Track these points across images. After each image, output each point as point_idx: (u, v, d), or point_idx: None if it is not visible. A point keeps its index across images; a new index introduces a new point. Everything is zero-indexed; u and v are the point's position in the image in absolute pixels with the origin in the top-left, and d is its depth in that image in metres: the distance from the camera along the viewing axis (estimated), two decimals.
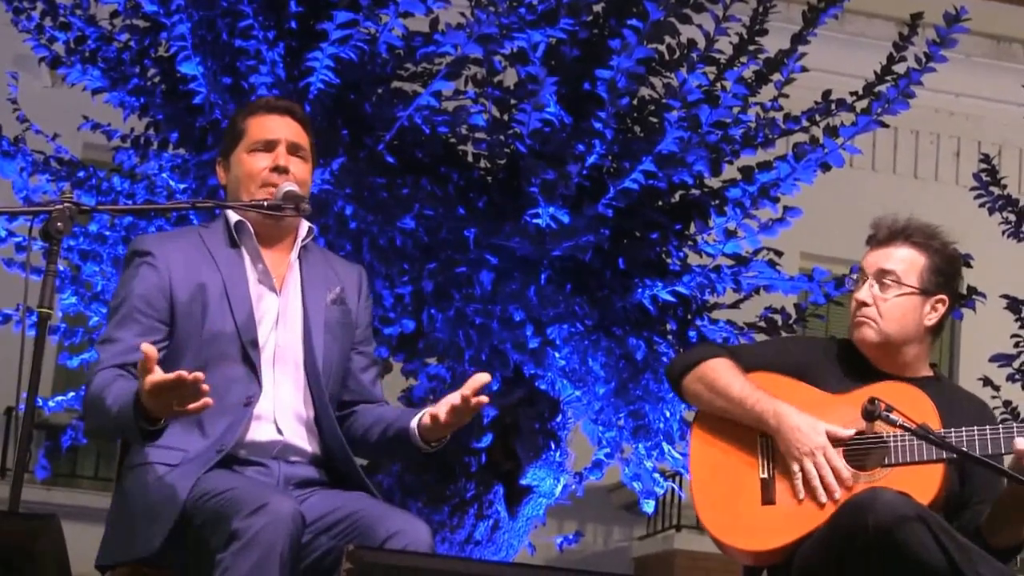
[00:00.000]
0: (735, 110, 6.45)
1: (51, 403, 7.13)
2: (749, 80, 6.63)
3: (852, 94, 6.70)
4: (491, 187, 6.71)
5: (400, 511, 3.39)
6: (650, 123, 6.75)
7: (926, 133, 15.20)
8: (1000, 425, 3.58)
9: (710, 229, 6.74)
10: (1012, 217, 7.82)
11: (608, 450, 7.01)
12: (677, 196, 6.83)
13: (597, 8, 6.70)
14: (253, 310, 3.47)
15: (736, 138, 6.60)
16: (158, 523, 3.24)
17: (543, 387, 6.84)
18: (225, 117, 6.29)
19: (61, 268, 6.21)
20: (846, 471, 3.62)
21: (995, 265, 8.97)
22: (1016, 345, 7.78)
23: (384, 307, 6.51)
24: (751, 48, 6.68)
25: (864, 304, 3.77)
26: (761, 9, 6.78)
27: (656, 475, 7.09)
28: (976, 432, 3.55)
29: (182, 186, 6.58)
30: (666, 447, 6.87)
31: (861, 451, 3.65)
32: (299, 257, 3.60)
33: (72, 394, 7.13)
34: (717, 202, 6.72)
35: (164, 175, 6.65)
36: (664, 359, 6.70)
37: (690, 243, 6.83)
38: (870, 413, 3.51)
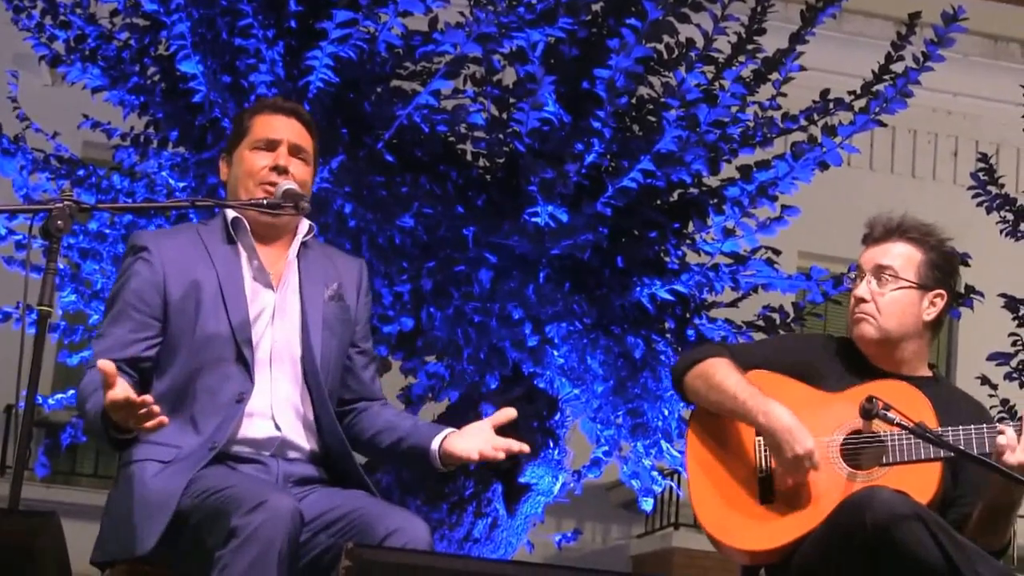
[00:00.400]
0: (733, 109, 6.46)
1: (51, 401, 7.15)
2: (747, 79, 6.64)
3: (850, 93, 6.71)
4: (490, 186, 6.71)
5: (399, 509, 3.38)
6: (649, 122, 6.76)
7: (924, 132, 15.20)
8: (984, 424, 3.58)
9: (708, 228, 6.75)
10: (1010, 216, 7.84)
11: (606, 448, 7.01)
12: (675, 195, 6.84)
13: (596, 7, 6.70)
14: (248, 307, 3.48)
15: (734, 137, 6.60)
16: (153, 523, 3.24)
17: (542, 385, 6.85)
18: (225, 116, 6.30)
19: (61, 266, 6.21)
20: (839, 470, 3.62)
21: (993, 264, 9.00)
22: (1014, 344, 7.80)
23: (383, 305, 6.52)
24: (749, 47, 6.69)
25: (862, 300, 3.77)
26: (759, 8, 6.78)
27: (654, 473, 7.10)
28: (961, 431, 3.55)
29: (181, 184, 6.59)
30: (664, 445, 6.88)
31: (858, 450, 3.65)
32: (298, 254, 3.60)
33: (72, 392, 7.12)
34: (715, 201, 6.73)
35: (164, 173, 6.66)
36: (662, 357, 6.71)
37: (688, 242, 6.84)
38: (868, 411, 3.52)
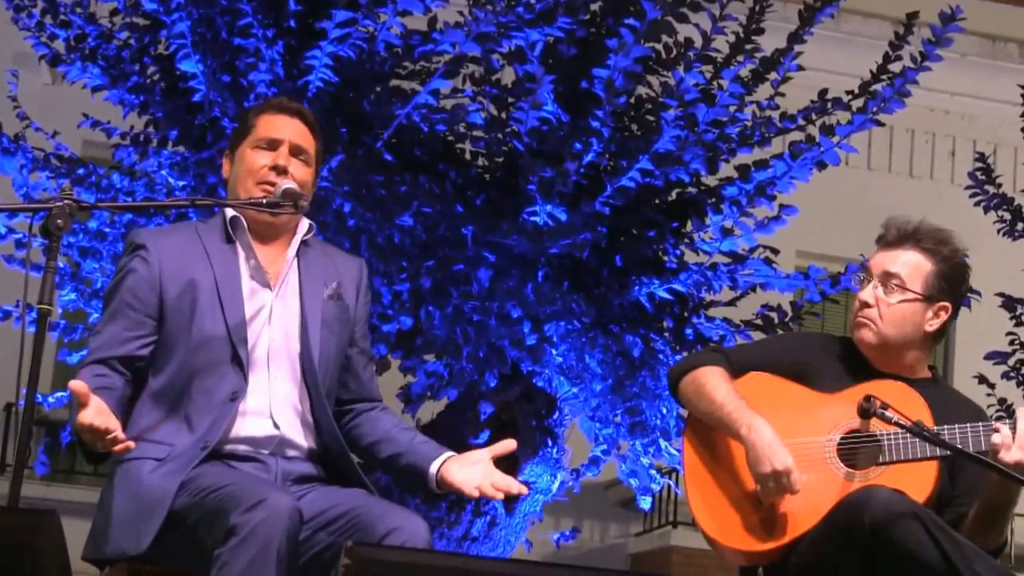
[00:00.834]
0: (732, 109, 6.47)
1: (51, 399, 7.15)
2: (746, 79, 6.65)
3: (848, 93, 6.72)
4: (489, 185, 6.72)
5: (398, 507, 3.39)
6: (647, 121, 6.77)
7: (921, 132, 15.20)
8: (980, 423, 3.59)
9: (707, 227, 6.76)
10: (1007, 216, 7.85)
11: (605, 447, 7.02)
12: (674, 194, 6.85)
13: (594, 7, 6.72)
14: (244, 306, 3.47)
15: (733, 136, 6.62)
16: (148, 522, 3.25)
17: (540, 384, 6.85)
18: (224, 115, 6.31)
19: (61, 265, 6.20)
20: (835, 470, 3.63)
21: (990, 263, 8.98)
22: (1011, 343, 7.82)
23: (382, 304, 6.53)
24: (748, 47, 6.70)
25: (866, 305, 3.76)
26: (758, 8, 6.79)
27: (653, 472, 7.11)
28: (957, 429, 3.56)
29: (181, 183, 6.59)
30: (663, 444, 6.89)
31: (855, 449, 3.66)
32: (298, 253, 3.60)
33: None
34: (714, 200, 6.74)
35: (163, 172, 6.66)
36: (661, 356, 6.72)
37: (687, 241, 6.85)
38: (866, 410, 3.52)
